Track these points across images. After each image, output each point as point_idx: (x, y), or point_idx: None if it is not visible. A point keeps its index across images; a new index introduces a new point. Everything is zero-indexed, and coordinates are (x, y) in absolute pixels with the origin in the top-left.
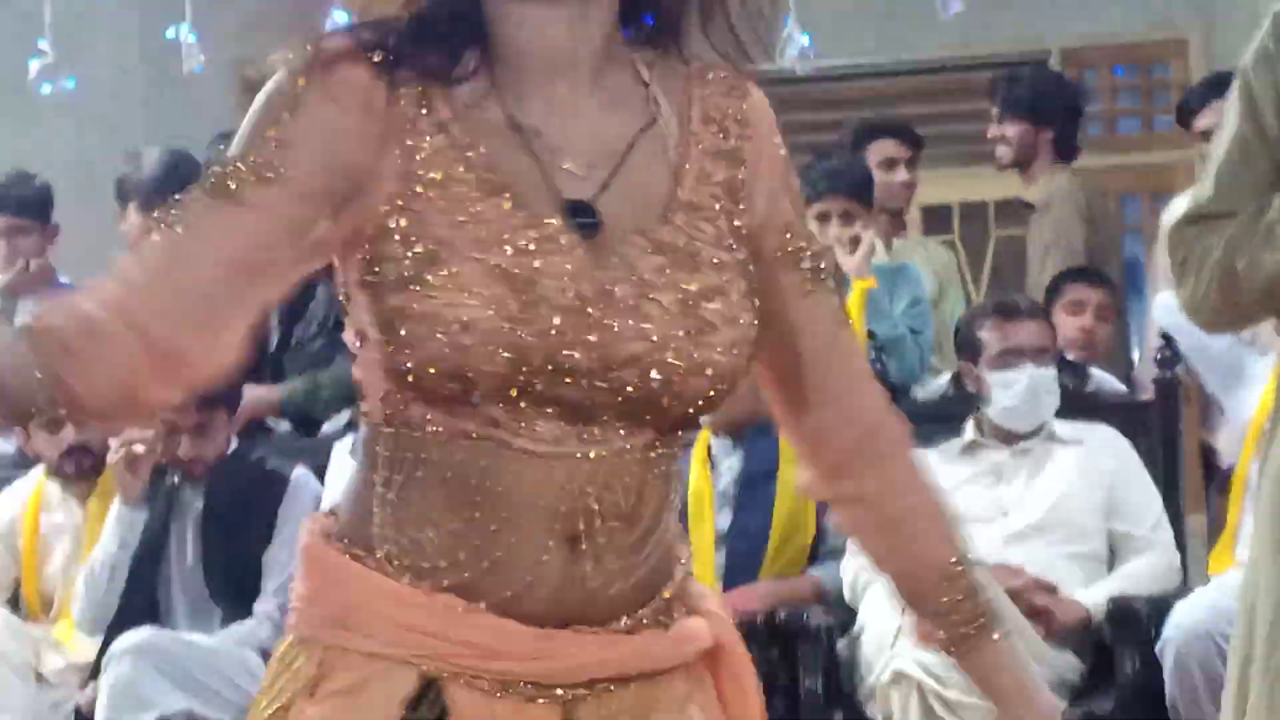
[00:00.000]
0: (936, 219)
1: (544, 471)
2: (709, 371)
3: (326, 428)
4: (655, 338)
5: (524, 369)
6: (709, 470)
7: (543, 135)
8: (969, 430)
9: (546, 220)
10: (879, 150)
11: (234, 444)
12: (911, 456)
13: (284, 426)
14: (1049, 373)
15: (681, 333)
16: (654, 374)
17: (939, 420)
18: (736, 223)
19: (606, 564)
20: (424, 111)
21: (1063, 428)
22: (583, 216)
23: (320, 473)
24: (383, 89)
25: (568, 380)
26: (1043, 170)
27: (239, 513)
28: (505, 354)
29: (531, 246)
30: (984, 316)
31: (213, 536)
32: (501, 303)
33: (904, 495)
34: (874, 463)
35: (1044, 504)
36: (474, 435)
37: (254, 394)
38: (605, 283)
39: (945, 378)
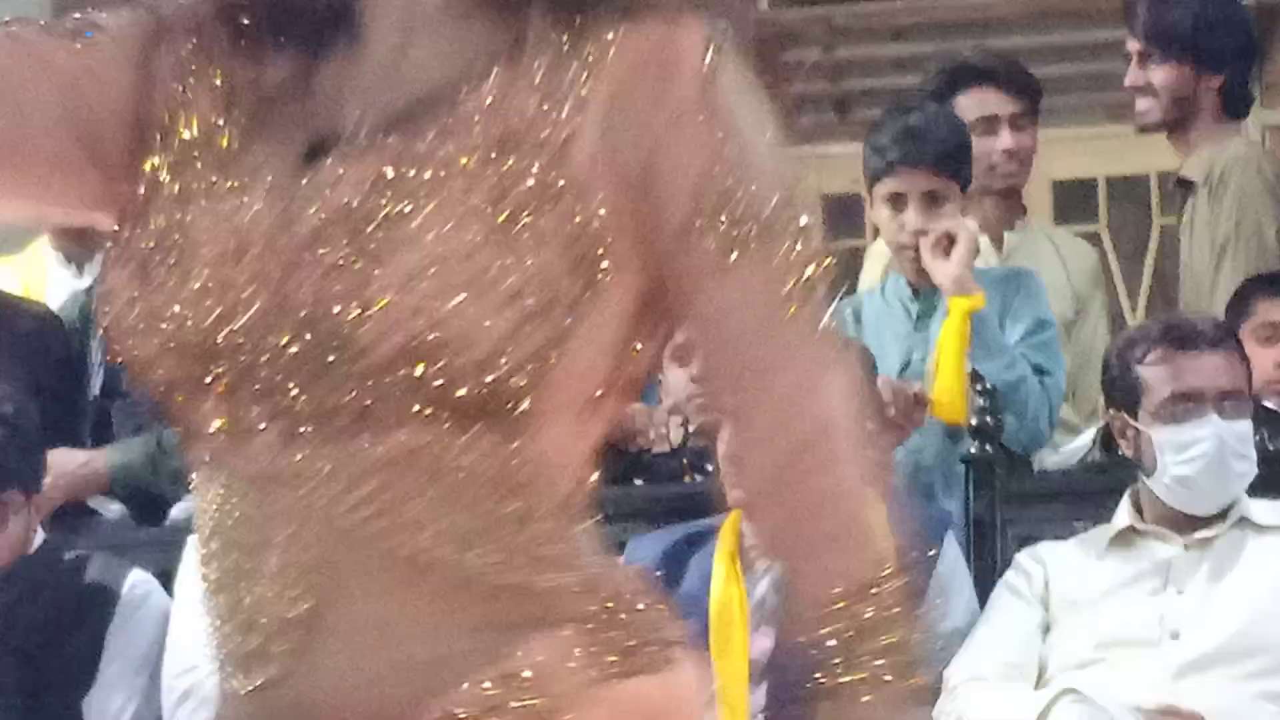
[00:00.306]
0: (1074, 201)
1: (259, 502)
2: (377, 312)
3: (176, 511)
4: (319, 275)
5: (182, 349)
6: (739, 570)
7: (341, 87)
8: (1123, 512)
9: (252, 162)
10: (976, 103)
11: (39, 538)
12: (846, 478)
13: (114, 509)
14: (1241, 428)
15: (350, 265)
16: (315, 328)
17: (1077, 499)
18: (537, 165)
19: (360, 640)
20: (211, 66)
21: (1260, 509)
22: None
23: (169, 578)
24: (161, 39)
25: (244, 359)
26: (1206, 133)
27: (47, 640)
28: (143, 330)
29: (201, 190)
30: (1146, 345)
31: (10, 674)
32: (139, 263)
33: (806, 523)
34: (787, 493)
35: (1232, 620)
36: (206, 459)
37: (68, 463)
38: (288, 226)
39: (1086, 436)
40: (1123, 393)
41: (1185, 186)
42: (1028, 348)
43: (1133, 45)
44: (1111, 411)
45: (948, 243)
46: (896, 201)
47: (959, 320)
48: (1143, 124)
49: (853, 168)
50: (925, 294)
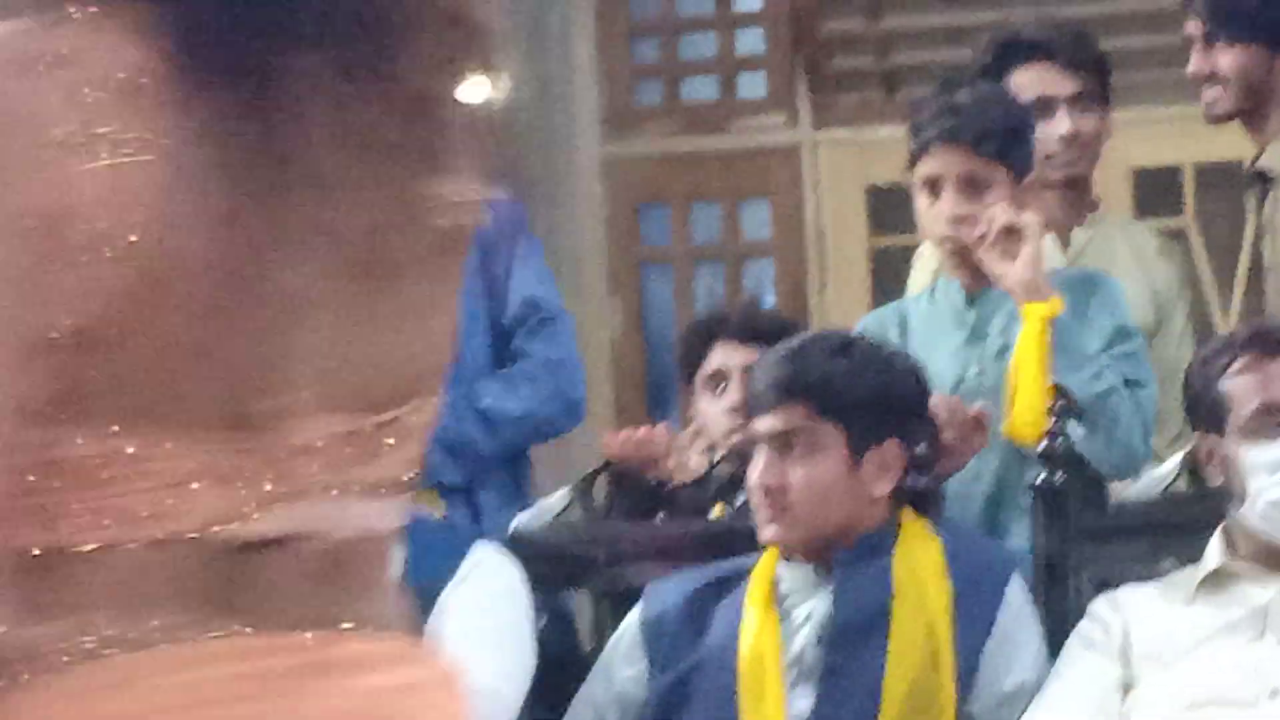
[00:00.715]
0: (1157, 191)
1: None
2: None
3: None
4: None
5: None
6: (774, 619)
7: None
8: (1214, 551)
9: None
10: (1031, 81)
11: None
12: None
13: None
14: None
15: None
16: None
17: (1162, 534)
18: None
19: None
20: None
21: None
22: None
23: None
24: None
25: None
26: None
27: None
28: None
29: None
30: (1230, 355)
31: None
32: None
33: None
34: None
35: None
36: None
37: None
38: None
39: (1171, 463)
40: (1206, 411)
41: (1264, 180)
42: (1112, 360)
43: (1193, 27)
44: (1197, 435)
45: (1008, 238)
46: (934, 186)
47: (1037, 329)
48: (1211, 115)
49: (902, 153)
50: (981, 299)
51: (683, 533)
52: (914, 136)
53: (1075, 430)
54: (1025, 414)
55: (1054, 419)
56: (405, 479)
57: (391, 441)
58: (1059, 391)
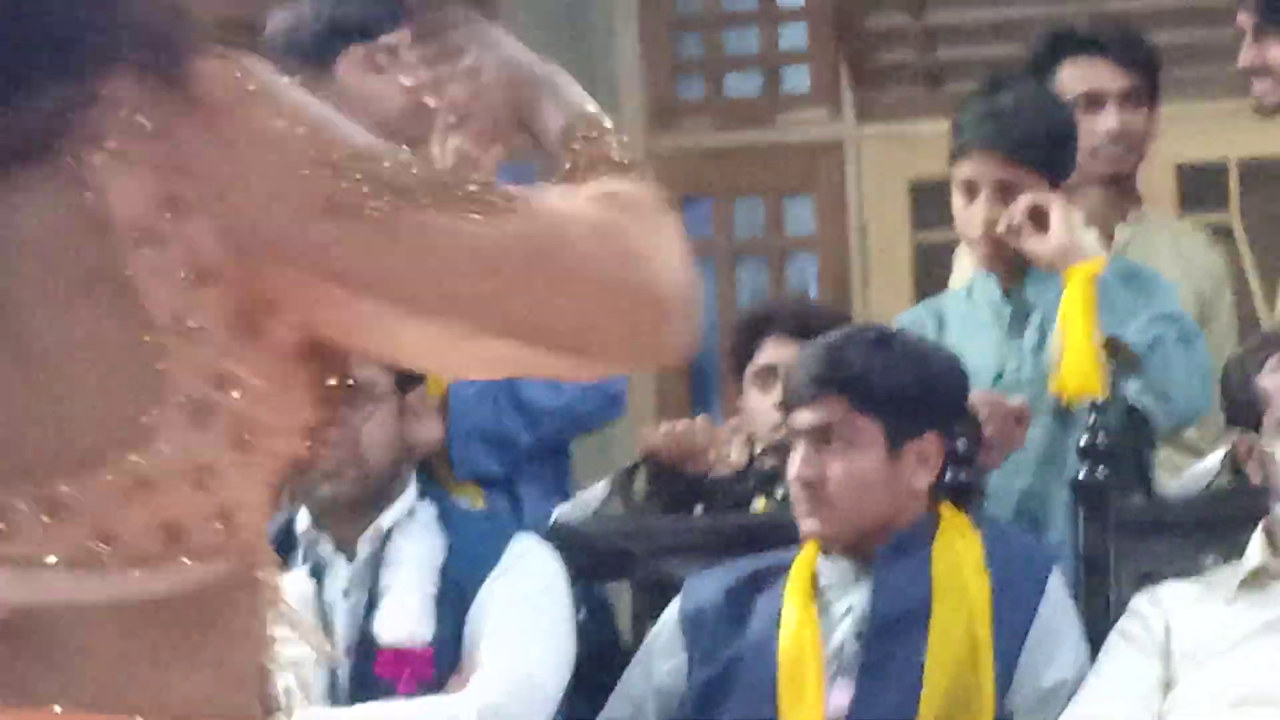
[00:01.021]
0: (1202, 186)
1: None
2: None
3: None
4: None
5: None
6: (813, 613)
7: None
8: (1255, 549)
9: None
10: (1080, 76)
11: None
12: None
13: None
14: None
15: None
16: None
17: (1204, 530)
18: None
19: None
20: None
21: None
22: None
23: None
24: None
25: None
26: None
27: None
28: None
29: None
30: (1266, 352)
31: None
32: None
33: None
34: None
35: None
36: None
37: None
38: None
39: (1213, 459)
40: (1243, 409)
41: None
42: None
43: (1245, 20)
44: (1235, 432)
45: (1037, 219)
46: (970, 189)
47: (1081, 289)
48: (1262, 107)
49: (945, 148)
50: (1018, 294)
51: (722, 526)
52: (954, 137)
53: (1131, 385)
54: (1074, 369)
55: (1091, 414)
56: (88, 552)
57: (28, 517)
58: (1114, 346)
